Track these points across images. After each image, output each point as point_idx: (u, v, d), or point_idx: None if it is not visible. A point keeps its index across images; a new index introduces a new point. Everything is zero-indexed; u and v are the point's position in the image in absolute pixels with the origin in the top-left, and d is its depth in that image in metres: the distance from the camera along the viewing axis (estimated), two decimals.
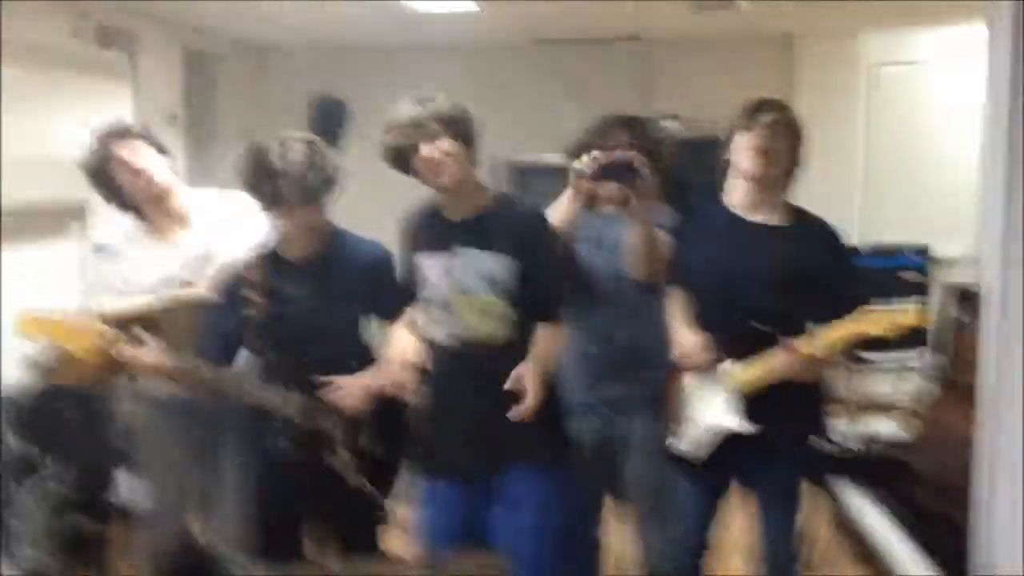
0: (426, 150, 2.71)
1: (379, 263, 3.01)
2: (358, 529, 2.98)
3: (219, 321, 2.98)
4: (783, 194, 3.00)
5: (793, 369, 2.78)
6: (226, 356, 2.97)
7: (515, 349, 2.74)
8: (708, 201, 3.07)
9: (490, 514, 2.84)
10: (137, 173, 3.24)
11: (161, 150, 3.34)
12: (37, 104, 4.08)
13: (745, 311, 2.87)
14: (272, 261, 2.96)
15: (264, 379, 2.90)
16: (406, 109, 2.77)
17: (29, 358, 3.57)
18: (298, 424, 2.89)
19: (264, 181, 2.78)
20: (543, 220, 2.90)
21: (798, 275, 2.87)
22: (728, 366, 2.88)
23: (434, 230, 2.87)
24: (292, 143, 2.82)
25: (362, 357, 3.00)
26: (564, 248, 2.99)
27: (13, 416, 3.74)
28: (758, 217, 2.97)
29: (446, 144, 2.73)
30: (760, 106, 2.96)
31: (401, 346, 2.89)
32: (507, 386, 2.65)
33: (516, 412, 2.64)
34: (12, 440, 3.73)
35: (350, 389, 2.91)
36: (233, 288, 2.96)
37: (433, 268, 2.83)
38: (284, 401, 2.89)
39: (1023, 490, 1.56)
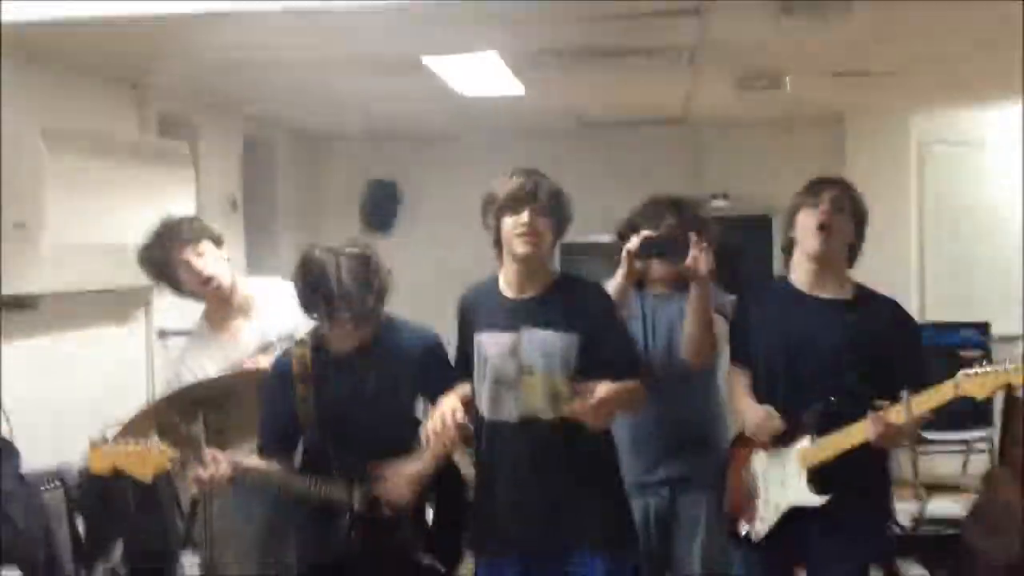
0: (527, 216, 2.74)
1: (430, 349, 3.02)
2: None
3: (275, 411, 3.01)
4: (846, 271, 3.00)
5: (879, 439, 2.73)
6: (284, 445, 3.00)
7: (580, 428, 2.73)
8: (769, 279, 3.09)
9: None
10: (202, 279, 3.33)
11: (218, 241, 3.41)
12: (103, 192, 4.20)
13: (817, 387, 2.85)
14: (321, 353, 2.99)
15: (323, 471, 2.92)
16: (517, 178, 2.80)
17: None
18: (361, 513, 2.91)
19: (319, 301, 2.83)
20: (606, 295, 2.93)
21: (867, 349, 2.85)
22: (802, 443, 2.85)
23: (496, 308, 2.88)
24: (346, 261, 2.84)
25: (416, 441, 3.00)
26: (622, 319, 3.00)
27: (78, 497, 3.80)
28: (824, 293, 2.97)
29: (547, 220, 2.77)
30: (822, 183, 2.98)
31: (445, 404, 2.83)
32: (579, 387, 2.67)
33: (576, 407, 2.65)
34: (78, 522, 3.79)
35: (396, 481, 2.91)
36: (284, 378, 2.99)
37: (495, 346, 2.83)
38: (346, 492, 2.91)
39: None
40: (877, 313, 2.93)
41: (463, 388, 2.90)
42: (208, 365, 3.32)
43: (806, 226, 2.93)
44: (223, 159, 5.75)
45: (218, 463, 2.81)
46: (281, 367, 3.01)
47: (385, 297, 2.93)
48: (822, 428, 2.81)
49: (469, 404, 2.86)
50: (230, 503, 3.28)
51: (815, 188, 2.97)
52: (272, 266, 6.00)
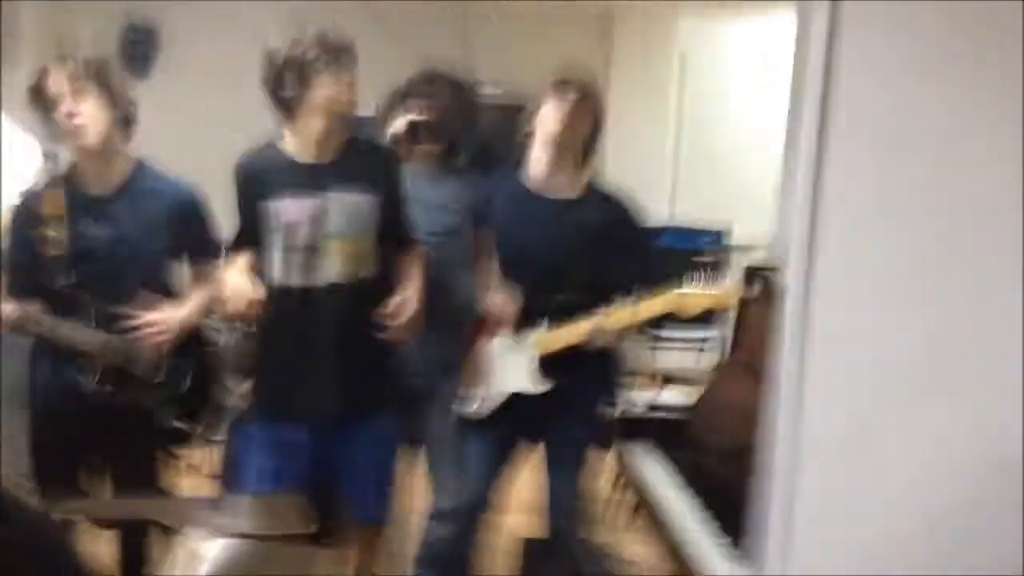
0: (348, 77, 2.68)
1: (192, 203, 2.95)
2: (140, 465, 2.93)
3: (17, 256, 2.84)
4: (578, 166, 3.06)
5: (594, 338, 2.87)
6: (24, 290, 2.83)
7: (379, 287, 2.77)
8: (506, 171, 3.12)
9: (335, 458, 2.85)
10: None
11: None
12: None
13: (546, 283, 2.95)
14: (71, 194, 2.84)
15: (64, 314, 2.79)
16: (314, 30, 2.71)
17: None
18: (101, 359, 2.80)
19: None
20: (397, 157, 2.94)
21: (589, 247, 2.95)
22: (534, 330, 2.95)
23: (291, 172, 2.78)
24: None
25: (167, 295, 2.94)
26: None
27: None
28: (553, 191, 3.03)
29: (351, 76, 2.70)
30: (569, 80, 3.01)
31: (236, 280, 2.77)
32: (388, 311, 2.72)
33: (393, 331, 2.72)
34: None
35: (165, 323, 2.84)
36: (27, 222, 2.83)
37: (296, 212, 2.75)
38: (86, 337, 2.79)
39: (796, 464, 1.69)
40: (602, 211, 3.01)
41: (243, 256, 2.82)
42: None
43: (547, 116, 2.97)
44: None
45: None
46: (23, 207, 2.84)
47: (130, 113, 2.83)
48: (556, 320, 2.92)
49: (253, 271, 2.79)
50: None
51: (562, 84, 3.00)
52: (11, 96, 5.54)
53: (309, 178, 2.76)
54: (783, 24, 6.33)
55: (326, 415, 2.83)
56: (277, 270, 2.80)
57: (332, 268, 2.77)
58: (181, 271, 3.01)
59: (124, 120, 2.85)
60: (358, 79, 2.73)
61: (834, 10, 1.56)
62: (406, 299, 2.79)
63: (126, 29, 6.64)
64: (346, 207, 2.76)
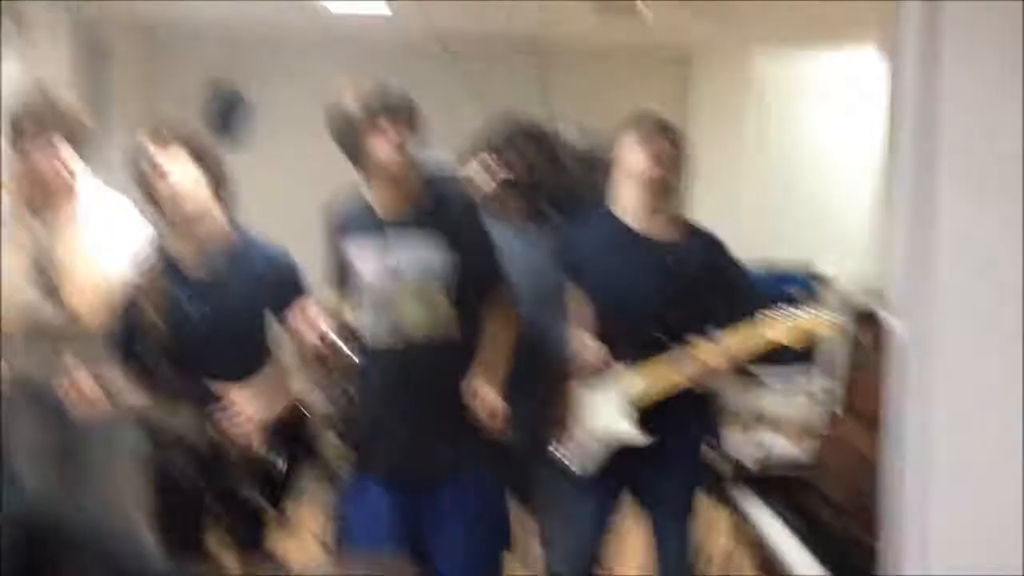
0: (394, 130, 2.64)
1: (286, 267, 2.93)
2: (248, 531, 2.91)
3: (120, 336, 2.89)
4: (672, 205, 3.02)
5: (693, 377, 2.80)
6: (129, 370, 2.88)
7: (458, 348, 2.71)
8: (598, 211, 3.07)
9: (425, 522, 2.78)
10: (52, 176, 3.00)
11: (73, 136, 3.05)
12: None
13: (640, 321, 2.89)
14: (167, 272, 2.88)
15: (160, 392, 2.82)
16: (365, 82, 2.70)
17: None
18: (192, 440, 2.82)
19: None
20: (473, 202, 2.87)
21: (688, 287, 2.90)
22: (624, 373, 2.89)
23: (370, 224, 2.77)
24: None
25: (264, 364, 2.93)
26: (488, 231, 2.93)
27: None
28: (647, 228, 2.99)
29: (404, 128, 2.66)
30: (654, 120, 3.00)
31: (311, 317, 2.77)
32: (467, 402, 2.66)
33: (487, 428, 2.67)
34: None
35: (251, 409, 2.83)
36: (129, 301, 2.87)
37: (367, 260, 2.75)
38: (178, 417, 2.81)
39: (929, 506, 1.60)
40: (701, 250, 2.97)
41: (324, 300, 2.84)
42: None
43: (637, 155, 2.93)
44: (53, 45, 5.38)
45: (85, 380, 2.72)
46: (127, 288, 2.89)
47: (226, 194, 2.85)
48: (646, 364, 2.86)
49: (335, 319, 2.80)
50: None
51: (644, 120, 2.99)
52: (103, 163, 5.70)
53: (383, 231, 2.75)
54: (865, 55, 6.26)
55: (410, 475, 2.78)
56: (360, 325, 2.79)
57: (407, 323, 2.72)
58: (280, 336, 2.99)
59: (218, 186, 2.87)
60: (414, 134, 2.68)
61: (932, 35, 1.49)
62: (478, 388, 2.70)
63: (213, 95, 6.78)
64: (419, 261, 2.72)
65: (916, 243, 1.51)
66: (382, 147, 2.64)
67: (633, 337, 2.90)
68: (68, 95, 3.14)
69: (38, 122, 2.93)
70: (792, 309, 2.76)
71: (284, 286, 2.88)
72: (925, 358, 1.53)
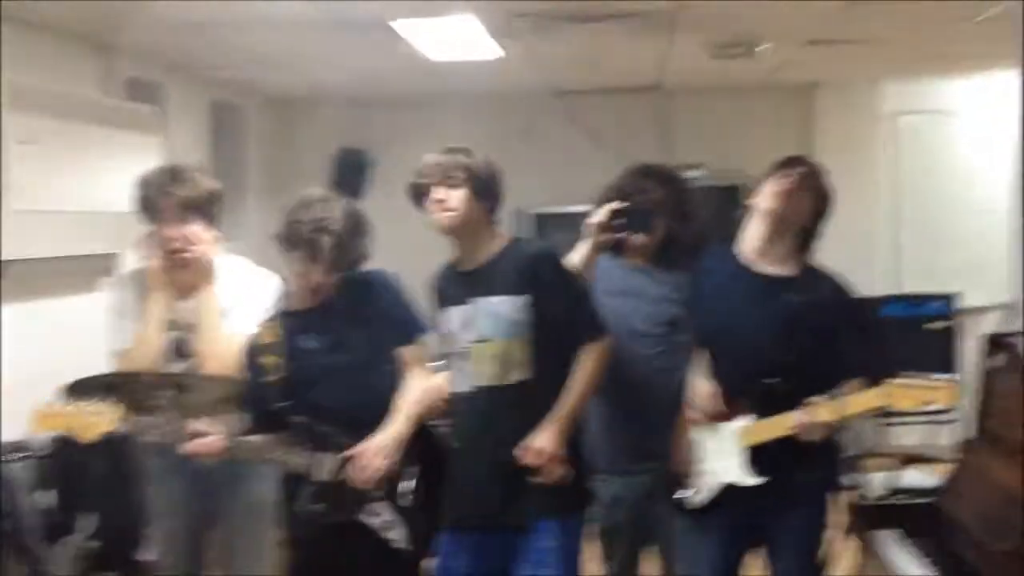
0: (437, 193, 2.80)
1: (388, 284, 3.06)
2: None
3: (251, 384, 3.01)
4: (798, 248, 2.97)
5: (807, 432, 2.75)
6: (263, 419, 2.99)
7: (534, 391, 2.76)
8: (720, 249, 3.06)
9: (512, 567, 2.81)
10: (184, 256, 3.11)
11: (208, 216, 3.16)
12: (68, 156, 4.12)
13: (756, 364, 2.85)
14: (284, 319, 3.01)
15: (294, 442, 2.91)
16: (433, 155, 2.86)
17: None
18: (329, 484, 2.89)
19: (309, 237, 2.87)
20: (551, 254, 2.92)
21: (806, 330, 2.83)
22: (741, 422, 2.85)
23: (452, 283, 2.93)
24: (343, 205, 2.95)
25: (388, 400, 2.98)
26: (582, 282, 2.96)
27: (37, 471, 3.74)
28: (767, 267, 2.95)
29: (459, 192, 2.80)
30: (794, 159, 2.98)
31: (436, 379, 2.92)
32: (521, 459, 2.70)
33: (538, 480, 2.70)
34: (39, 496, 3.74)
35: (366, 457, 2.90)
36: (254, 350, 3.00)
37: (452, 321, 2.88)
38: (313, 463, 2.89)
39: None
40: (819, 290, 2.90)
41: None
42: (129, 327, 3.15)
43: (766, 191, 2.92)
44: (191, 123, 5.66)
45: (209, 431, 2.84)
46: (250, 340, 3.03)
47: (367, 255, 3.00)
48: (765, 406, 2.81)
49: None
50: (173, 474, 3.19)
51: (787, 162, 2.98)
52: (240, 233, 5.94)
53: (462, 287, 2.88)
54: (998, 79, 6.09)
55: (488, 522, 2.82)
56: (450, 377, 2.92)
57: (482, 373, 2.80)
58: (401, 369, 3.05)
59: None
60: (469, 194, 2.81)
61: None
62: (539, 448, 2.72)
63: (338, 154, 7.00)
64: (490, 311, 2.80)
65: None
66: (433, 204, 2.83)
67: (745, 373, 2.86)
68: (194, 168, 3.27)
69: (168, 199, 3.06)
70: (912, 377, 2.67)
71: (389, 299, 3.04)
72: None
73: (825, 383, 2.78)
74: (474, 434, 2.84)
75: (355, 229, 2.95)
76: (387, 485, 2.92)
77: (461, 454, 2.89)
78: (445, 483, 2.92)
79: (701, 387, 2.94)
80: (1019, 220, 6.00)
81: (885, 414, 5.82)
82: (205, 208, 3.13)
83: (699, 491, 2.93)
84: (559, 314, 2.79)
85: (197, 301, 3.16)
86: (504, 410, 2.78)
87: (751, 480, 2.83)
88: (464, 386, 2.85)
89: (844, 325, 2.89)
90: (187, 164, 3.32)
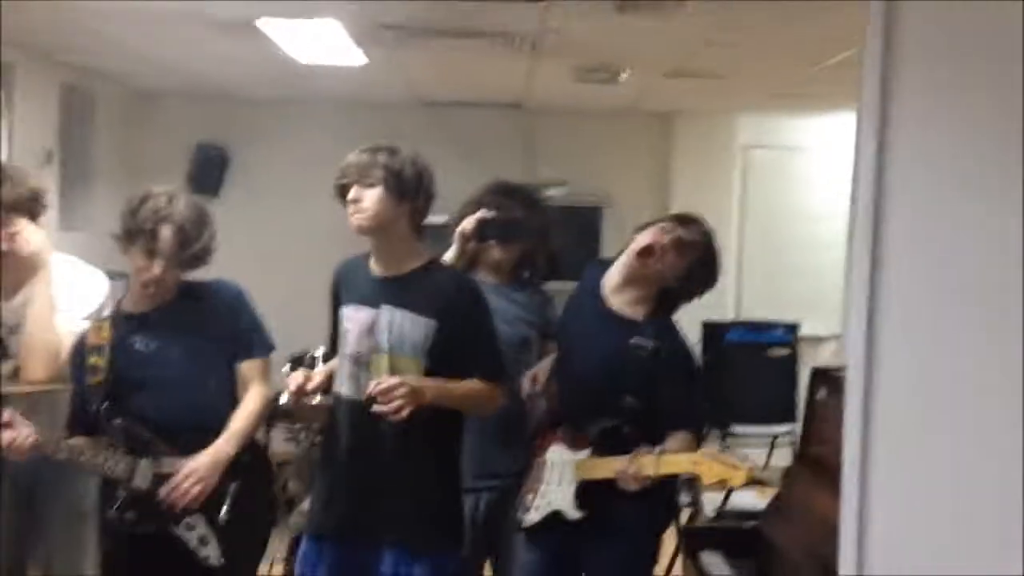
0: (353, 192, 2.70)
1: (235, 298, 2.97)
2: None
3: (75, 383, 2.90)
4: (654, 298, 2.99)
5: (624, 481, 2.78)
6: (85, 419, 2.88)
7: (425, 415, 2.64)
8: (599, 269, 3.09)
9: None
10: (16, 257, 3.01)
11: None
12: None
13: (593, 397, 2.91)
14: (117, 320, 2.91)
15: (112, 446, 2.81)
16: (353, 154, 2.76)
17: None
18: (144, 492, 2.79)
19: (147, 234, 2.76)
20: (477, 291, 2.86)
21: (644, 376, 2.87)
22: (582, 454, 2.90)
23: (360, 283, 2.82)
24: (185, 201, 2.82)
25: (222, 410, 2.93)
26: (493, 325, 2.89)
27: None
28: (621, 306, 2.98)
29: (374, 192, 2.69)
30: (686, 218, 3.01)
31: (296, 373, 2.79)
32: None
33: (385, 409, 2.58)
34: None
35: (200, 471, 2.81)
36: (79, 349, 2.89)
37: (355, 322, 2.78)
38: (130, 469, 2.79)
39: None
40: (662, 340, 2.93)
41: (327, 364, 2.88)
42: None
43: (643, 236, 2.95)
44: (39, 109, 5.44)
45: (19, 427, 2.70)
46: (77, 340, 2.93)
47: (210, 250, 2.87)
48: (603, 442, 2.87)
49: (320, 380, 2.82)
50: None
51: (678, 217, 3.00)
52: (86, 222, 5.74)
53: (372, 291, 2.78)
54: (842, 118, 6.36)
55: (346, 534, 2.76)
56: (339, 378, 2.81)
57: (372, 383, 2.68)
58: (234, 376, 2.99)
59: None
60: (393, 197, 2.70)
61: (886, 108, 1.55)
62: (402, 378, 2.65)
63: (197, 150, 6.85)
64: (397, 324, 2.73)
65: (861, 295, 1.57)
66: (350, 206, 2.72)
67: (586, 409, 2.91)
68: (17, 167, 3.20)
69: None
70: (719, 453, 2.77)
71: (237, 313, 2.95)
72: (868, 404, 1.59)
73: (658, 430, 2.84)
74: (350, 444, 2.75)
75: (198, 222, 2.82)
76: (203, 500, 2.83)
77: (337, 459, 2.80)
78: (313, 488, 2.86)
79: (534, 373, 3.03)
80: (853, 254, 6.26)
81: (722, 435, 6.04)
82: (30, 207, 3.04)
83: (532, 512, 2.97)
84: (464, 346, 2.73)
85: (23, 301, 3.05)
86: (387, 425, 2.64)
87: (574, 513, 2.88)
88: (352, 392, 2.74)
89: (680, 379, 2.92)
90: (8, 163, 3.22)
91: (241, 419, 2.91)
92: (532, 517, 2.96)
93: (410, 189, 2.73)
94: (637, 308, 2.98)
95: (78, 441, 2.82)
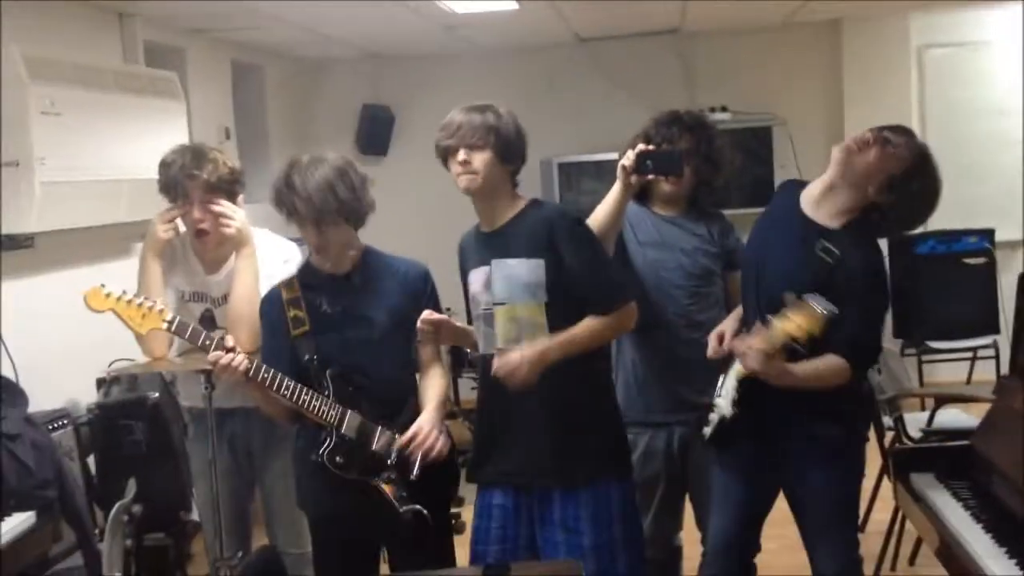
0: (463, 154, 2.75)
1: (420, 277, 3.02)
2: (412, 549, 2.93)
3: (271, 344, 2.99)
4: (858, 208, 2.84)
5: (747, 360, 2.72)
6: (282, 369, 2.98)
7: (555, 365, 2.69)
8: (793, 186, 3.01)
9: (543, 529, 2.80)
10: (213, 234, 3.17)
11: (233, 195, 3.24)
12: (92, 126, 4.13)
13: (775, 302, 2.81)
14: (308, 275, 2.99)
15: (323, 394, 2.90)
16: (457, 114, 2.80)
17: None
18: (353, 441, 2.89)
19: (283, 197, 2.86)
20: (571, 217, 2.85)
21: (830, 279, 2.74)
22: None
23: (474, 247, 2.90)
24: (318, 166, 2.86)
25: (404, 380, 3.02)
26: (600, 246, 2.88)
27: (87, 436, 3.82)
28: (815, 214, 2.87)
29: (482, 155, 2.74)
30: (896, 127, 2.91)
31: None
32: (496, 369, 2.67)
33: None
34: (90, 461, 3.83)
35: (431, 432, 2.89)
36: (275, 309, 2.98)
37: (476, 283, 2.86)
38: (340, 416, 2.88)
39: None
40: (849, 251, 2.79)
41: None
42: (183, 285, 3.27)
43: (846, 143, 2.83)
44: (213, 88, 5.66)
45: (236, 352, 2.81)
46: (271, 294, 3.02)
47: (356, 210, 2.90)
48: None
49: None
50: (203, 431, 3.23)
51: (890, 127, 2.88)
52: (264, 193, 5.94)
53: (483, 248, 2.85)
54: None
55: (512, 480, 2.82)
56: (477, 339, 2.89)
57: (502, 335, 2.78)
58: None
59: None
60: (490, 155, 2.74)
61: None
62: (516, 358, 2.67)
63: (363, 111, 7.00)
64: (507, 274, 2.77)
65: None
66: (455, 167, 2.78)
67: (769, 306, 2.81)
68: (215, 148, 3.35)
69: (193, 181, 3.12)
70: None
71: (420, 292, 3.00)
72: None
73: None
74: (497, 396, 2.78)
75: (325, 185, 2.83)
76: (397, 458, 2.90)
77: (490, 414, 2.87)
78: (475, 443, 2.92)
79: (727, 324, 2.99)
80: None
81: (920, 351, 5.81)
82: (230, 187, 3.21)
83: (706, 427, 2.93)
84: (576, 277, 2.74)
85: (229, 274, 3.21)
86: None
87: (726, 410, 2.84)
88: (488, 348, 2.82)
89: (856, 292, 2.75)
90: (206, 145, 3.36)
91: (438, 391, 3.00)
92: (706, 431, 2.93)
93: (515, 152, 2.79)
94: (835, 219, 2.87)
95: (290, 381, 2.90)
